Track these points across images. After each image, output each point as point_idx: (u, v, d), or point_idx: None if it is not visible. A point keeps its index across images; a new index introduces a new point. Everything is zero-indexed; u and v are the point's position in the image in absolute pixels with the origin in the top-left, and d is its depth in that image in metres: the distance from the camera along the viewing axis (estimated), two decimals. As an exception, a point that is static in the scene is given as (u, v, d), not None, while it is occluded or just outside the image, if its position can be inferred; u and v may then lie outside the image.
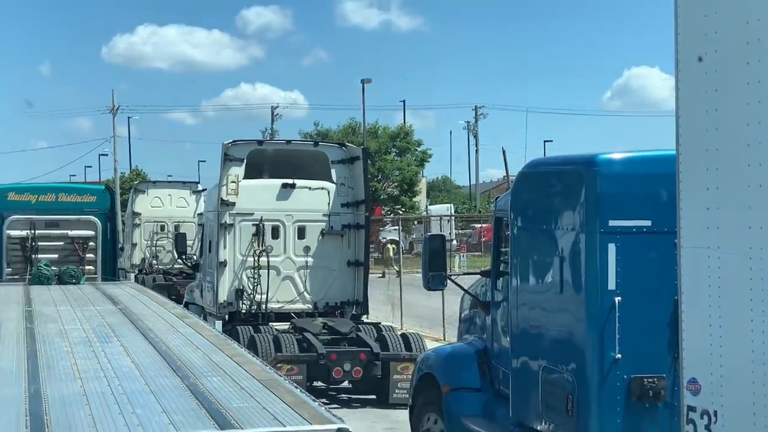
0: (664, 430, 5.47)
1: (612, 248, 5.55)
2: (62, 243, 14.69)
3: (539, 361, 6.19)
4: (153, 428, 4.33)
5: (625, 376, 5.52)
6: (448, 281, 7.69)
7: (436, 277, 7.46)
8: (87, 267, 14.27)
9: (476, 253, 26.71)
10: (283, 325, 12.22)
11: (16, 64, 77.88)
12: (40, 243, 14.33)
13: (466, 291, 8.24)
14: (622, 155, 6.05)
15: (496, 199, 9.39)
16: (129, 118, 51.06)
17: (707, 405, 4.54)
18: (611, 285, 5.55)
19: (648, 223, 5.59)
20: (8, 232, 14.11)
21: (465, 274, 9.89)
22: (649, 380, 5.48)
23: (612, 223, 5.61)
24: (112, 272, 15.09)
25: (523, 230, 6.66)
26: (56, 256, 14.22)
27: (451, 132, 60.75)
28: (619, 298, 5.51)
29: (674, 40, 4.55)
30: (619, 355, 5.48)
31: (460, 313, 8.81)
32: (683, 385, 4.57)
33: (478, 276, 8.31)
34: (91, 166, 52.60)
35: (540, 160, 7.51)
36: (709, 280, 4.46)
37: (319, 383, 11.12)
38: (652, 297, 5.49)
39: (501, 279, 7.19)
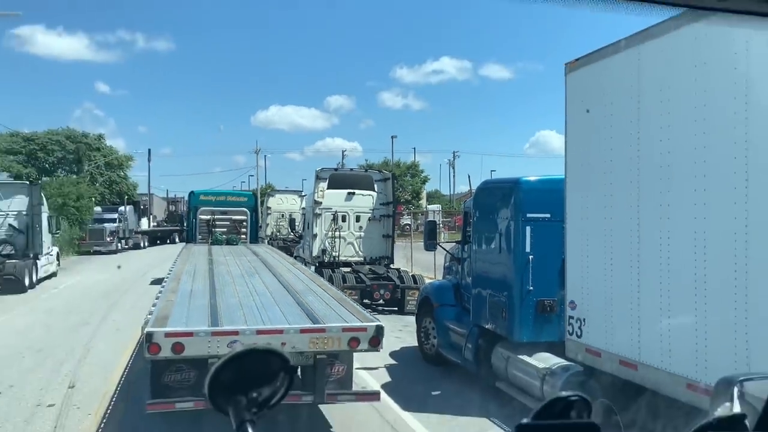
0: (555, 329, 7.74)
1: (528, 229, 7.99)
2: (228, 223, 23.01)
3: (487, 290, 8.80)
4: (276, 321, 7.62)
5: (535, 299, 7.95)
6: (438, 246, 10.66)
7: (431, 244, 10.41)
8: (241, 236, 22.42)
9: (453, 232, 35.78)
10: (347, 269, 17.99)
11: (205, 123, 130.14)
12: (216, 222, 22.74)
13: (447, 251, 11.29)
14: (534, 177, 8.50)
15: (464, 202, 12.49)
16: (265, 156, 75.32)
17: (580, 315, 6.67)
18: (528, 249, 7.98)
19: (548, 215, 7.95)
20: (200, 216, 22.56)
21: (446, 242, 13.00)
22: (548, 302, 7.90)
23: (528, 215, 8.05)
24: (255, 239, 23.18)
25: (479, 218, 9.24)
26: (225, 229, 22.61)
27: (440, 165, 78.81)
28: (532, 256, 7.96)
29: (564, 121, 7.05)
30: (531, 288, 7.94)
31: (444, 264, 11.85)
32: (567, 304, 6.92)
33: (454, 244, 11.33)
34: (244, 182, 76.52)
35: (489, 180, 10.13)
36: (580, 247, 6.70)
37: (366, 301, 15.84)
38: (549, 256, 7.79)
39: (466, 245, 9.96)
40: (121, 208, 46.67)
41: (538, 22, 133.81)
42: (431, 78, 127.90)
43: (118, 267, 27.69)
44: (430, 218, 24.39)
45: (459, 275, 10.40)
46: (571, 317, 6.87)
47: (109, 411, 8.36)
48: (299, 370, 8.11)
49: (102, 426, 7.80)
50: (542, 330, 8.13)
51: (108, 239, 40.56)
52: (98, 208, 45.33)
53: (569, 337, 6.88)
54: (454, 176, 74.86)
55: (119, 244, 42.10)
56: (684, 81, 5.23)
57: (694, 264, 5.11)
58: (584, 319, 6.66)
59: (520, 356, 8.11)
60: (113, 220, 43.14)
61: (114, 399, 8.87)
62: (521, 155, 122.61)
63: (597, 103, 6.48)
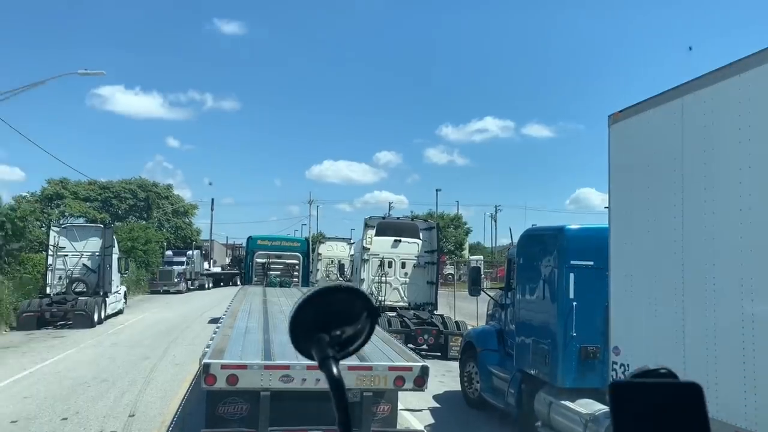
0: (598, 375, 7.47)
1: (572, 276, 7.72)
2: (282, 266, 23.59)
3: (531, 336, 8.53)
4: None
5: (578, 345, 7.65)
6: (482, 291, 10.45)
7: (475, 289, 10.22)
8: (294, 279, 22.94)
9: (495, 283, 35.02)
10: (392, 313, 17.69)
11: (264, 176, 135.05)
12: (271, 265, 23.36)
13: (491, 297, 11.02)
14: (577, 226, 8.29)
15: (508, 250, 12.28)
16: (317, 206, 75.27)
17: (624, 361, 6.37)
18: (571, 296, 7.70)
19: (591, 262, 7.66)
20: (256, 259, 23.40)
21: (490, 289, 12.73)
22: (591, 348, 7.60)
23: (572, 262, 7.79)
24: (306, 282, 23.48)
25: (523, 265, 9.00)
26: (279, 272, 23.09)
27: (483, 218, 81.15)
28: (575, 303, 7.67)
29: (608, 172, 6.81)
30: (575, 334, 7.64)
31: (487, 310, 11.54)
32: (611, 350, 6.61)
33: (497, 291, 11.11)
34: (297, 230, 76.66)
35: (533, 227, 9.80)
36: (624, 294, 6.45)
37: (410, 345, 14.80)
38: (592, 303, 7.47)
39: (510, 292, 9.73)
40: (189, 252, 48.02)
41: (580, 82, 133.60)
42: (475, 136, 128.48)
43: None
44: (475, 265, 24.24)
45: (502, 321, 10.17)
46: (614, 363, 6.59)
47: (165, 439, 8.36)
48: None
49: (158, 453, 7.77)
50: (585, 376, 7.82)
51: (176, 280, 41.93)
52: (169, 252, 46.87)
53: (613, 382, 6.59)
54: (495, 229, 74.41)
55: (186, 285, 43.05)
56: (728, 129, 5.10)
57: (741, 311, 4.86)
58: (628, 365, 6.38)
59: (563, 401, 7.79)
60: (182, 263, 44.83)
61: (171, 428, 8.86)
62: (562, 210, 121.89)
63: (640, 153, 6.36)
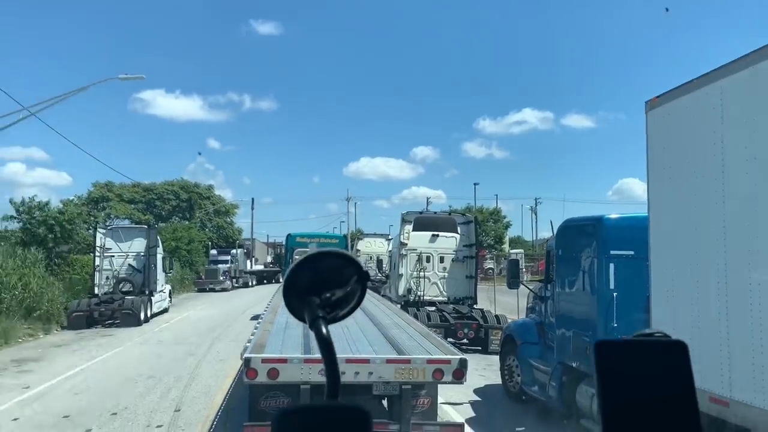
0: None
1: (612, 266, 7.61)
2: None
3: (571, 327, 8.42)
4: (363, 351, 7.62)
5: (619, 336, 7.94)
6: (521, 284, 10.34)
7: (514, 282, 10.12)
8: None
9: (535, 276, 34.57)
10: (431, 308, 17.72)
11: (302, 174, 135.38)
12: None
13: (530, 289, 10.90)
14: (616, 215, 8.16)
15: (547, 241, 12.08)
16: (355, 203, 76.95)
17: None
18: (612, 286, 7.59)
19: (632, 252, 7.54)
20: (296, 257, 23.26)
21: (530, 282, 12.60)
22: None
23: (612, 252, 7.67)
24: None
25: (562, 257, 8.90)
26: None
27: (522, 211, 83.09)
28: (616, 293, 7.55)
29: (646, 159, 6.74)
30: (616, 324, 7.51)
31: (527, 304, 11.42)
32: None
33: (537, 283, 11.00)
34: (336, 227, 77.18)
35: (572, 218, 9.56)
36: (665, 283, 6.39)
37: (450, 339, 14.72)
38: (633, 293, 7.34)
39: (549, 284, 9.59)
40: (233, 251, 48.92)
41: (620, 71, 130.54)
42: (513, 128, 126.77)
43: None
44: (514, 258, 24.04)
45: (542, 314, 10.07)
46: (657, 353, 6.49)
47: (210, 432, 8.54)
48: (385, 400, 8.07)
49: (203, 446, 7.95)
50: None
51: (221, 278, 42.79)
52: (214, 251, 47.87)
53: (655, 373, 6.48)
54: (536, 222, 73.48)
55: (231, 283, 44.05)
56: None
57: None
58: (671, 356, 6.29)
59: (606, 394, 7.69)
60: (226, 261, 45.58)
61: (215, 422, 9.05)
62: (604, 202, 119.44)
63: (679, 138, 6.22)
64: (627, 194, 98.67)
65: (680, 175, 6.19)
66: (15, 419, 9.49)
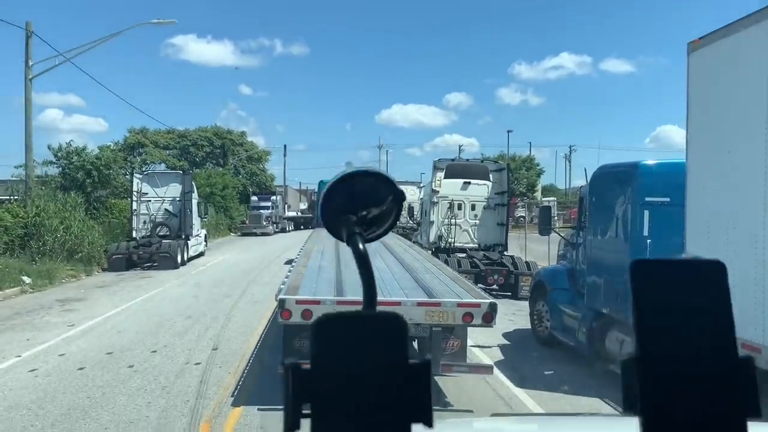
0: None
1: (646, 213, 7.53)
2: None
3: (603, 274, 8.39)
4: (394, 294, 7.76)
5: None
6: (552, 231, 10.27)
7: (545, 228, 10.04)
8: None
9: (568, 224, 33.84)
10: (462, 254, 17.71)
11: (334, 121, 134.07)
12: None
13: (562, 236, 10.85)
14: (653, 161, 8.06)
15: (581, 188, 11.89)
16: (387, 151, 76.20)
17: None
18: (646, 233, 7.54)
19: (667, 199, 7.46)
20: None
21: (562, 229, 12.48)
22: None
23: (647, 199, 7.58)
24: None
25: (596, 203, 8.80)
26: None
27: (555, 159, 74.68)
28: (650, 240, 7.51)
29: (686, 104, 6.55)
30: None
31: (558, 251, 11.39)
32: None
33: (569, 230, 10.92)
34: None
35: (607, 164, 9.37)
36: (701, 230, 6.35)
37: (480, 285, 14.53)
38: (667, 241, 7.28)
39: (582, 231, 9.54)
40: (273, 197, 50.24)
41: (663, 12, 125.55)
42: (550, 74, 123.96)
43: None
44: (546, 204, 23.82)
45: (574, 260, 10.04)
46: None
47: (246, 370, 8.84)
48: (416, 342, 8.23)
49: (240, 383, 8.25)
50: None
51: (264, 223, 44.61)
52: (255, 197, 49.48)
53: (688, 320, 6.48)
54: (569, 170, 72.50)
55: (273, 228, 45.73)
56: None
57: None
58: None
59: (636, 340, 7.72)
60: (267, 207, 47.18)
61: (251, 360, 9.35)
62: (641, 149, 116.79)
63: (721, 82, 6.02)
64: (665, 142, 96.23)
65: (722, 119, 6.03)
66: (61, 355, 9.93)
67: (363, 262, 0.84)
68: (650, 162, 8.03)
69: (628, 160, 8.60)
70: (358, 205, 0.87)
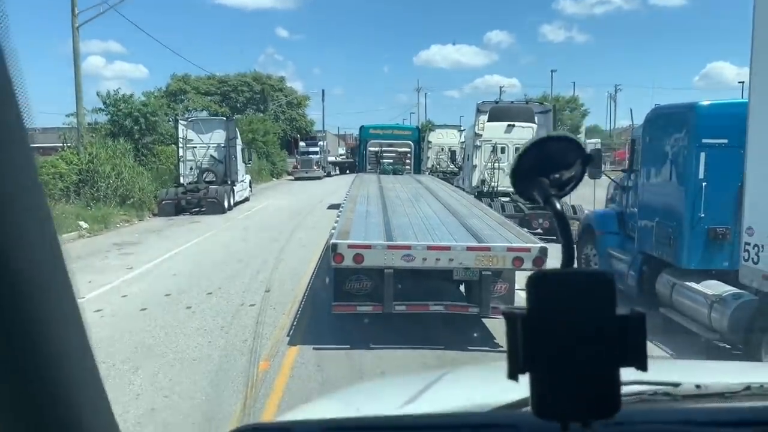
0: (726, 257, 7.32)
1: (702, 155, 7.32)
2: (394, 154, 24.27)
3: (655, 217, 8.26)
4: (444, 239, 7.84)
5: (706, 227, 7.40)
6: (603, 174, 10.04)
7: (595, 172, 9.88)
8: (406, 166, 23.72)
9: (612, 167, 32.87)
10: (506, 199, 17.42)
11: (372, 64, 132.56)
12: (384, 154, 24.14)
13: (612, 179, 10.64)
14: (710, 102, 7.72)
15: (632, 130, 11.52)
16: (425, 94, 73.61)
17: (758, 241, 6.20)
18: (701, 176, 7.35)
19: (725, 141, 7.22)
20: (369, 148, 24.16)
21: (611, 171, 12.19)
22: (720, 229, 7.34)
23: (704, 140, 7.36)
24: (418, 170, 24.07)
25: (649, 145, 8.58)
26: (392, 160, 23.92)
27: (600, 100, 73.16)
28: (705, 183, 7.34)
29: (751, 37, 6.21)
30: (703, 215, 7.38)
31: (606, 194, 11.21)
32: (744, 230, 6.39)
33: (619, 173, 10.70)
34: (406, 119, 75.98)
35: (662, 105, 9.12)
36: (762, 174, 6.12)
37: (525, 229, 14.43)
38: (723, 183, 7.19)
39: (633, 173, 9.37)
40: (320, 142, 51.21)
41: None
42: (596, 9, 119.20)
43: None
44: (595, 147, 23.30)
45: (623, 204, 9.88)
46: (747, 243, 6.36)
47: (300, 311, 9.10)
48: (463, 285, 8.34)
49: (295, 323, 8.51)
50: (712, 258, 7.59)
51: (314, 167, 46.58)
52: (302, 143, 50.56)
53: (744, 263, 6.36)
54: (615, 110, 70.71)
55: (321, 172, 47.30)
56: None
57: None
58: (762, 246, 6.15)
59: (688, 283, 7.63)
60: (316, 153, 48.73)
61: (303, 302, 9.61)
62: (690, 88, 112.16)
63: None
64: (716, 79, 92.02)
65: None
66: (123, 296, 10.36)
67: (562, 221, 0.89)
68: (707, 103, 7.75)
69: (680, 102, 8.31)
70: (551, 168, 0.91)
